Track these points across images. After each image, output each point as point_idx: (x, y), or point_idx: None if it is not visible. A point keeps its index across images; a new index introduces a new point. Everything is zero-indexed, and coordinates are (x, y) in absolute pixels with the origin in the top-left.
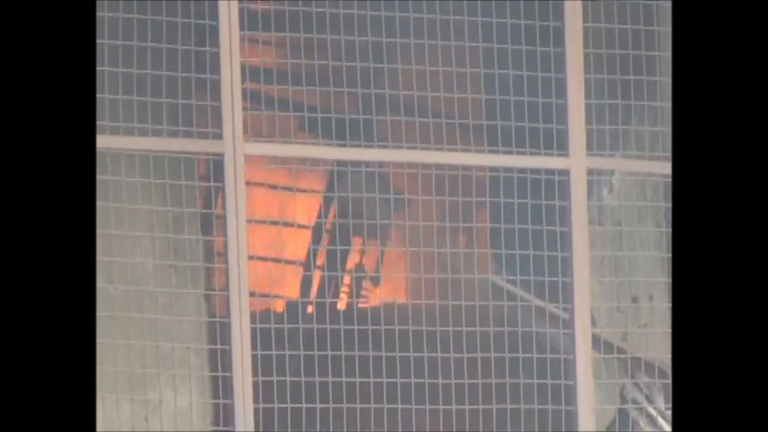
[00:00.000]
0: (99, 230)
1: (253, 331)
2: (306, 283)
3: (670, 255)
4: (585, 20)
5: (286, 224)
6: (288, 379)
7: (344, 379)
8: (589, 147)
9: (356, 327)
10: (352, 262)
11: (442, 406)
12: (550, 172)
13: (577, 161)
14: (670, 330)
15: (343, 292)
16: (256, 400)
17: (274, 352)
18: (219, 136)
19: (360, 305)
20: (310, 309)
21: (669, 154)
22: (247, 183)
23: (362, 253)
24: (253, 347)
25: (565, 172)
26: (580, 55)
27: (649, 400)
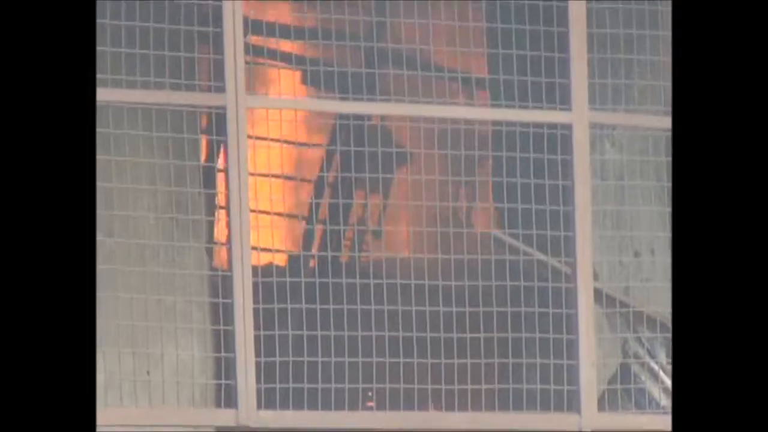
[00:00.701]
0: (100, 184)
1: (255, 284)
2: (308, 237)
3: (671, 209)
4: None
5: (288, 178)
6: (290, 332)
7: (346, 333)
8: (592, 101)
9: (358, 281)
10: (354, 215)
11: (444, 360)
12: (552, 126)
13: (579, 115)
14: (671, 284)
15: (345, 245)
16: (257, 353)
17: (276, 306)
18: (221, 90)
19: (362, 259)
20: (312, 263)
21: (670, 108)
22: (249, 136)
23: (364, 206)
24: (255, 301)
25: (567, 127)
26: (582, 9)
27: (651, 354)
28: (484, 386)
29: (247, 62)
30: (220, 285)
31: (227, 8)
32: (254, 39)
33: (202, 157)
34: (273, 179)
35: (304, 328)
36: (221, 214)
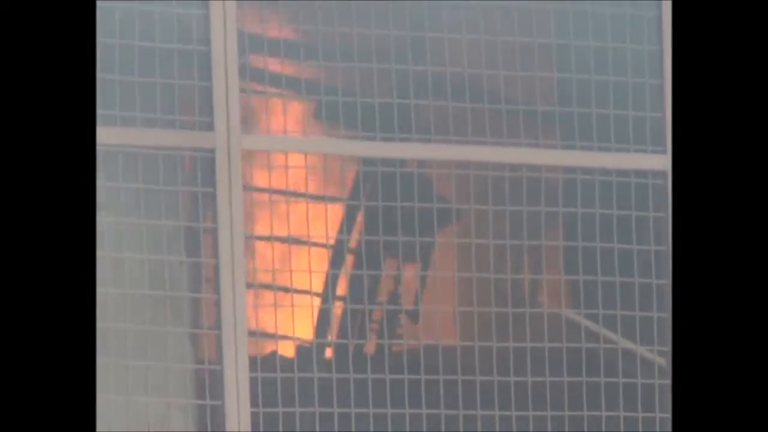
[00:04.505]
0: None
1: (253, 381)
2: (323, 320)
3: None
4: None
5: (297, 242)
6: None
7: None
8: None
9: (388, 376)
10: (383, 291)
11: None
12: (641, 174)
13: None
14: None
15: (371, 330)
16: None
17: (281, 410)
18: (209, 127)
19: (394, 348)
20: (328, 353)
21: None
22: (245, 188)
23: (397, 279)
24: (253, 403)
25: (661, 174)
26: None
27: None
28: None
29: (242, 91)
30: (208, 382)
31: (216, 20)
32: (252, 60)
33: (184, 214)
34: (276, 243)
35: None
36: (208, 290)
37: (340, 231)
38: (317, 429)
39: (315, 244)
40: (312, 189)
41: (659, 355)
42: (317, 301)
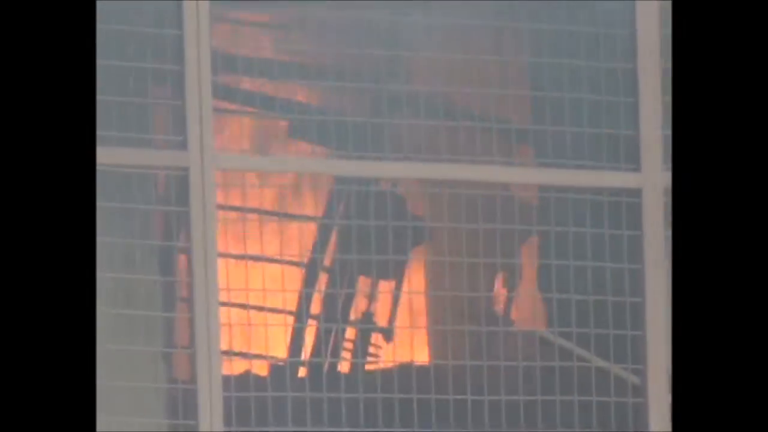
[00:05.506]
0: None
1: (227, 400)
2: (296, 339)
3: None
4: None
5: (270, 260)
6: None
7: None
8: (667, 159)
9: (362, 395)
10: (357, 310)
11: None
12: (616, 192)
13: (651, 178)
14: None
15: (345, 349)
16: None
17: (254, 429)
18: (183, 146)
19: (368, 367)
20: (301, 372)
21: None
22: (219, 207)
23: (370, 298)
24: (227, 422)
25: (635, 193)
26: (655, 40)
27: None
28: None
29: (215, 109)
30: (181, 401)
31: (190, 39)
32: (225, 78)
33: (158, 233)
34: (250, 262)
35: None
36: (182, 309)
37: (314, 250)
38: None
39: (288, 263)
40: (285, 208)
41: (633, 374)
42: (291, 320)
